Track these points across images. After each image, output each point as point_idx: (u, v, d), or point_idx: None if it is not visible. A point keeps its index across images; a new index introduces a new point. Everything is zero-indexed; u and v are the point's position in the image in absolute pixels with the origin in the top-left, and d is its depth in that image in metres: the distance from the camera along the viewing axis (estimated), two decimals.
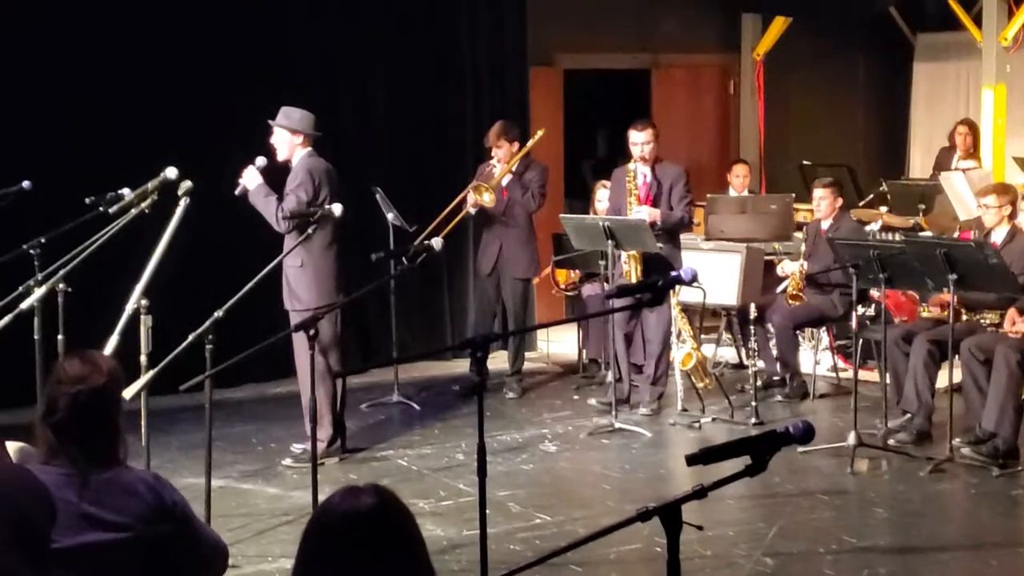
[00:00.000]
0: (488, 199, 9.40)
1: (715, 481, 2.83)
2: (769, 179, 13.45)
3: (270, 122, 7.82)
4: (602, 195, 10.01)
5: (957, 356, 7.76)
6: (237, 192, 7.71)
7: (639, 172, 8.88)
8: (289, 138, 7.79)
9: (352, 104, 10.53)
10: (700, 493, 2.82)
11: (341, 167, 8.22)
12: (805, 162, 12.39)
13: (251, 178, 7.70)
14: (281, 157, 7.83)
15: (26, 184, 7.36)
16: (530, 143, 9.68)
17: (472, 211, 9.55)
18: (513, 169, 9.55)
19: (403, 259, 8.02)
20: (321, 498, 5.87)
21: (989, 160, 11.74)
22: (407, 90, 10.77)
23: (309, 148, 7.82)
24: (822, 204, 9.36)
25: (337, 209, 7.35)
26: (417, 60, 10.84)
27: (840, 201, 9.44)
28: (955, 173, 10.68)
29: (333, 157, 8.11)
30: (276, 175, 7.84)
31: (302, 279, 7.72)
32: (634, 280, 8.66)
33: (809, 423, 2.95)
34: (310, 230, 7.30)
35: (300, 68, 10.11)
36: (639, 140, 8.83)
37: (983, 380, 7.66)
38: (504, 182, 9.55)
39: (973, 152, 11.84)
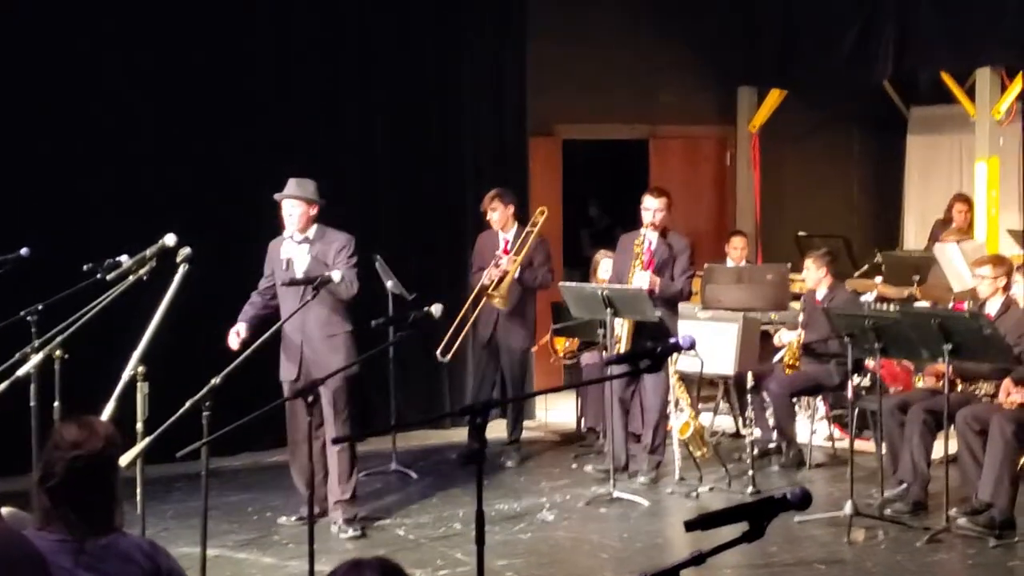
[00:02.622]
0: (500, 303, 9.44)
1: (713, 547, 2.82)
2: (765, 249, 13.50)
3: (279, 196, 7.66)
4: (605, 264, 10.05)
5: (953, 426, 7.76)
6: (289, 280, 7.61)
7: (647, 238, 8.95)
8: (306, 209, 7.68)
9: (354, 171, 10.58)
10: (698, 559, 2.80)
11: None
12: (801, 233, 12.44)
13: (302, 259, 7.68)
14: (296, 229, 7.68)
15: (24, 251, 7.38)
16: (532, 237, 9.58)
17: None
18: (522, 262, 9.55)
19: (403, 326, 7.97)
20: (317, 568, 5.86)
21: (983, 233, 11.79)
22: (408, 158, 10.84)
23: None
24: (807, 274, 9.49)
25: (336, 275, 7.33)
26: (418, 129, 10.93)
27: (824, 271, 9.49)
28: (949, 245, 10.72)
29: (334, 225, 8.13)
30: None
31: (341, 347, 7.68)
32: (624, 345, 8.71)
33: (806, 489, 2.94)
34: (309, 297, 7.24)
35: (302, 136, 10.18)
36: (652, 207, 8.92)
37: (979, 450, 7.66)
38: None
39: (968, 228, 11.91)
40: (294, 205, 7.68)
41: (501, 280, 9.48)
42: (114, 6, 9.51)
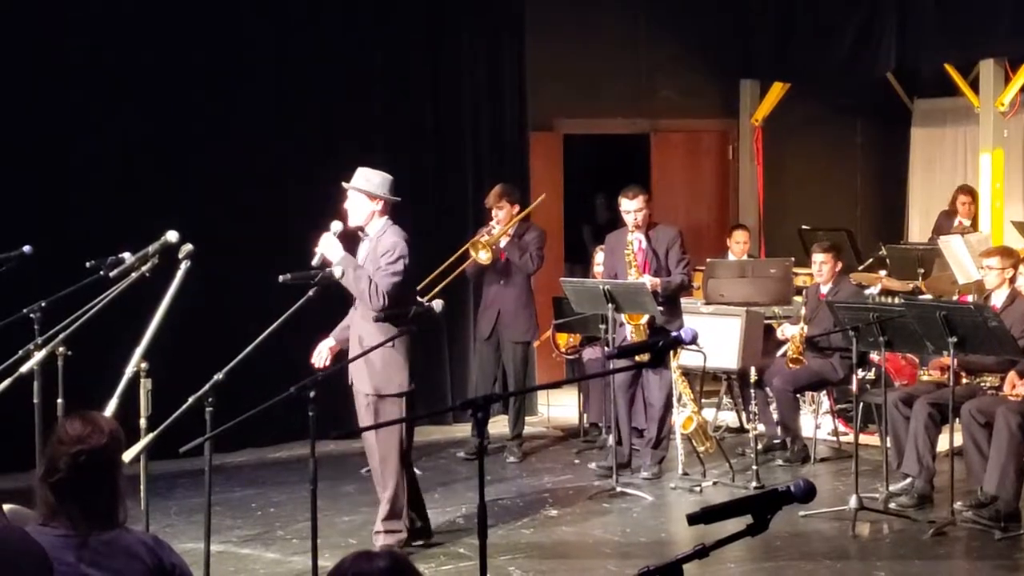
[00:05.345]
0: (484, 257, 9.39)
1: (717, 540, 2.81)
2: (768, 243, 13.48)
3: (345, 185, 7.27)
4: (600, 259, 10.04)
5: (958, 419, 7.75)
6: (315, 262, 7.05)
7: (634, 239, 8.89)
8: (367, 204, 7.14)
9: (352, 168, 10.54)
10: (702, 552, 2.79)
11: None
12: (804, 226, 12.42)
13: (333, 249, 7.03)
14: (355, 223, 7.19)
15: (27, 248, 7.36)
16: (531, 206, 9.70)
17: (468, 271, 9.54)
18: (511, 231, 9.55)
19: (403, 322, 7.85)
20: (320, 563, 5.86)
21: (987, 224, 11.78)
22: (407, 154, 10.82)
23: (387, 216, 7.19)
24: (823, 268, 9.37)
25: (336, 271, 7.17)
26: (418, 124, 10.91)
27: (840, 265, 9.47)
28: (954, 237, 10.71)
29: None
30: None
31: (394, 359, 7.07)
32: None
33: (810, 482, 2.93)
34: (311, 292, 7.06)
35: (300, 137, 10.17)
36: (631, 208, 8.83)
37: (984, 443, 7.64)
38: (502, 243, 9.54)
39: (974, 220, 11.90)
40: (353, 196, 7.19)
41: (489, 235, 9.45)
42: (115, 3, 9.50)
